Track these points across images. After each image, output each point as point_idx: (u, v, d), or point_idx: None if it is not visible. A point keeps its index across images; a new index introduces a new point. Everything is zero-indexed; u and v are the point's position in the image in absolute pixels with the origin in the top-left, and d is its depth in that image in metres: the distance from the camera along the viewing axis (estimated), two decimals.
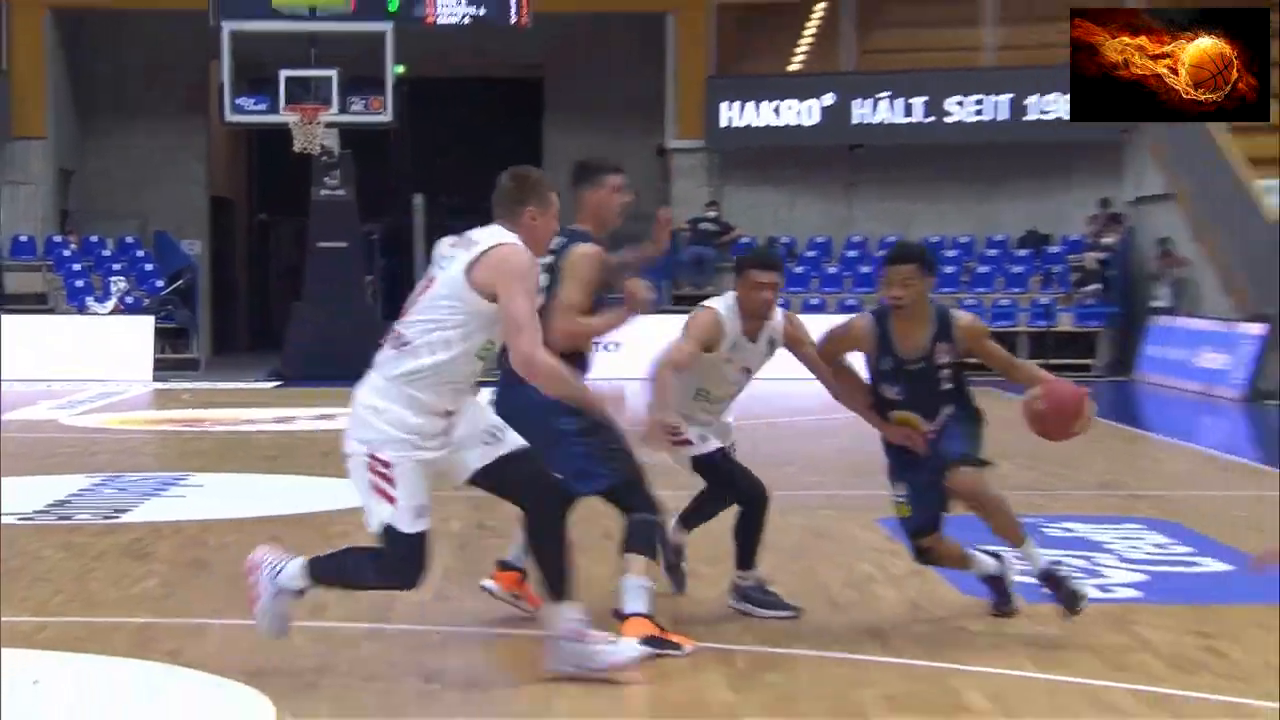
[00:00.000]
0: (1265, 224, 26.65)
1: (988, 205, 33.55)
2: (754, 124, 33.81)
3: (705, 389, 8.78)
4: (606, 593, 8.22)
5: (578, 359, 8.37)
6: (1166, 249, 30.41)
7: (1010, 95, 32.61)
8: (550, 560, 7.52)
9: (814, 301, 31.07)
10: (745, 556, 8.96)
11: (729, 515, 9.04)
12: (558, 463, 7.99)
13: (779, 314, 8.77)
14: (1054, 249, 32.99)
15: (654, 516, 8.45)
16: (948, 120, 32.88)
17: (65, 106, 35.54)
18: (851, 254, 33.44)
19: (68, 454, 17.95)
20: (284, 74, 30.28)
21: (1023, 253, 33.14)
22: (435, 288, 7.37)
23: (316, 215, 30.15)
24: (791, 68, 34.98)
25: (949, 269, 32.32)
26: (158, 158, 36.13)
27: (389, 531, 7.35)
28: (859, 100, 33.19)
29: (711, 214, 32.82)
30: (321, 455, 17.53)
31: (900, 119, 33.06)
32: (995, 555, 8.73)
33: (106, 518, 13.11)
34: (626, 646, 7.51)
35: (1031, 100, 32.51)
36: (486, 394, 7.87)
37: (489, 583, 8.81)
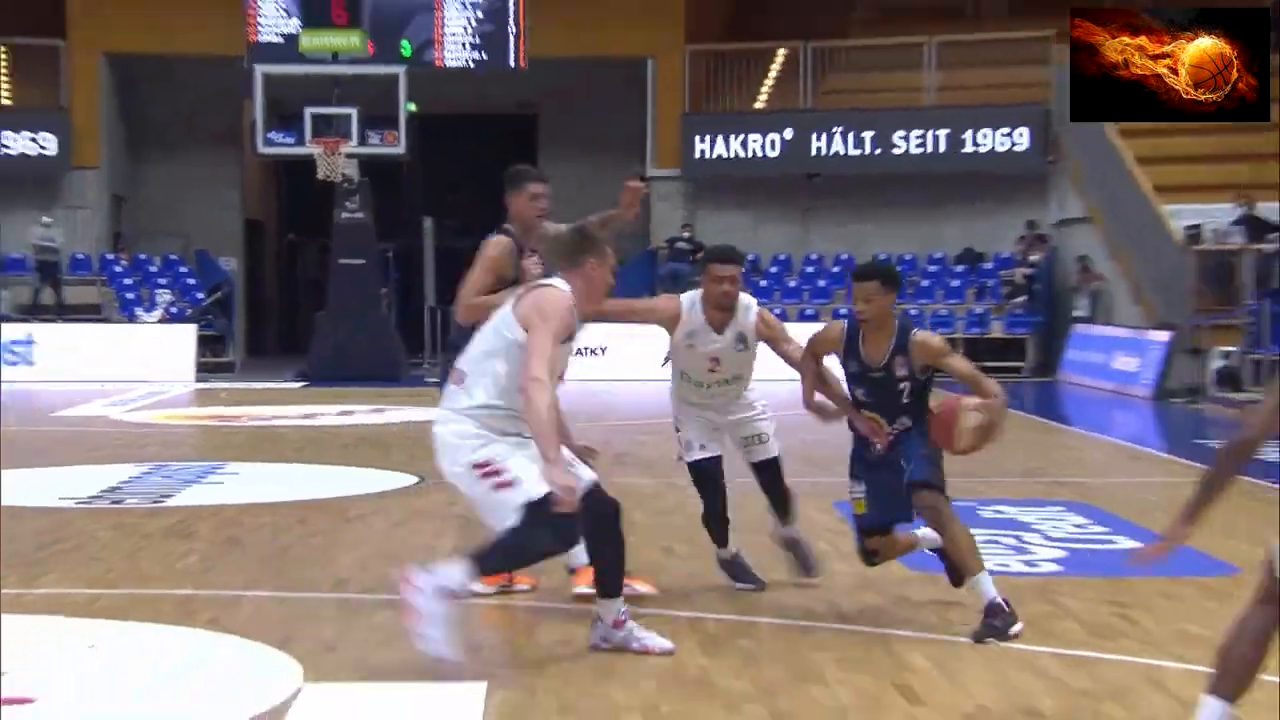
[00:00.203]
0: (1172, 244, 26.73)
1: (929, 227, 33.58)
2: (724, 155, 33.86)
3: (685, 371, 8.71)
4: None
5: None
6: (1085, 266, 30.49)
7: (948, 130, 32.66)
8: (608, 560, 7.39)
9: (776, 311, 30.45)
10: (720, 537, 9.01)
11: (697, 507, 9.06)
12: None
13: (752, 313, 8.60)
14: (987, 265, 33.04)
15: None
16: (894, 152, 32.92)
17: (117, 140, 35.52)
18: (809, 270, 33.50)
19: (119, 446, 17.95)
20: (309, 111, 30.28)
21: (960, 268, 33.20)
22: (490, 323, 7.27)
23: (338, 236, 30.14)
24: (757, 106, 34.99)
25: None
26: (198, 185, 36.11)
27: (528, 508, 7.00)
28: (816, 134, 33.25)
29: (686, 235, 32.86)
30: (342, 447, 17.58)
31: (852, 151, 33.10)
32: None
33: (154, 502, 13.12)
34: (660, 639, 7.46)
35: (967, 135, 32.58)
36: None
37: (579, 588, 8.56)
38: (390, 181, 33.13)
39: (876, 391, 8.12)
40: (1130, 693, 7.00)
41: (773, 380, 9.31)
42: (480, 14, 33.12)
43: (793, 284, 33.05)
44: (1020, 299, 31.58)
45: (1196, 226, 26.97)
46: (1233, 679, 5.46)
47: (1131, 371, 26.03)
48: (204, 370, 30.23)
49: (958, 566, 8.11)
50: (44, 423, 21.35)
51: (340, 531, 11.57)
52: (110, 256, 34.23)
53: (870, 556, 8.44)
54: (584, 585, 8.57)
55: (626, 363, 24.07)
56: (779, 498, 8.83)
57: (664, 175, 34.47)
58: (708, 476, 8.83)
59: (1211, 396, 23.63)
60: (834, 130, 33.19)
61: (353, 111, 30.23)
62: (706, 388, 8.72)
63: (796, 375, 8.43)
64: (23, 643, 8.04)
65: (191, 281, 33.77)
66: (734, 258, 8.63)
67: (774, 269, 33.50)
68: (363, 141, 30.10)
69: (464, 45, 33.23)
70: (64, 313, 31.97)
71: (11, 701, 6.81)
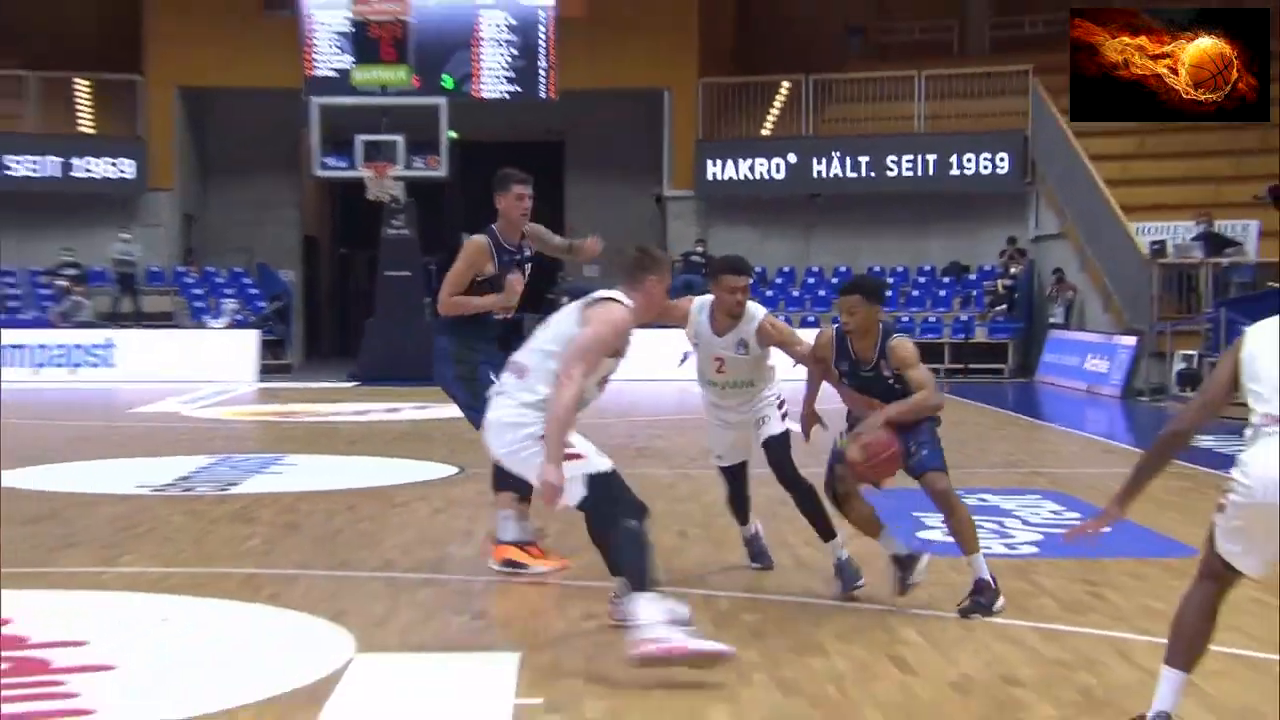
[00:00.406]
0: (1138, 258, 26.69)
1: (919, 242, 33.56)
2: (734, 177, 33.87)
3: (700, 371, 8.61)
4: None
5: (476, 320, 9.20)
6: (1060, 277, 30.45)
7: (936, 155, 32.64)
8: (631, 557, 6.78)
9: (781, 318, 30.99)
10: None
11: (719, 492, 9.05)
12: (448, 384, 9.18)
13: (755, 321, 8.41)
14: (971, 277, 33.00)
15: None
16: (887, 175, 32.90)
17: (188, 165, 35.60)
18: (811, 280, 33.47)
19: (189, 439, 17.99)
20: (361, 138, 30.33)
21: (947, 280, 33.16)
22: (550, 328, 7.01)
23: (385, 250, 30.18)
24: (763, 133, 34.95)
25: (888, 292, 32.37)
26: (261, 205, 36.19)
27: (593, 480, 6.69)
28: (816, 158, 33.24)
29: (699, 249, 32.83)
30: (390, 440, 17.60)
31: (849, 174, 33.08)
32: (911, 556, 8.14)
33: (220, 490, 13.14)
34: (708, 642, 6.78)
35: (953, 159, 32.56)
36: None
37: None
38: (433, 201, 33.14)
39: (869, 386, 8.05)
40: (1100, 662, 7.00)
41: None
42: (514, 50, 33.21)
43: (796, 294, 33.05)
44: (1001, 307, 31.55)
45: (1161, 242, 26.98)
46: (1186, 650, 5.46)
47: (1102, 373, 26.02)
48: (265, 371, 30.28)
49: (960, 544, 8.04)
50: (122, 419, 21.39)
51: (387, 517, 11.59)
52: (182, 269, 34.33)
53: (838, 483, 8.07)
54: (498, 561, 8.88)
55: (645, 364, 24.03)
56: (787, 477, 8.68)
57: (679, 195, 34.52)
58: (731, 476, 8.79)
59: (1174, 396, 23.62)
60: (833, 155, 33.19)
61: (399, 138, 30.28)
62: (721, 388, 8.57)
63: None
64: (103, 616, 8.08)
65: (254, 291, 33.84)
66: (745, 269, 8.51)
67: (779, 280, 33.49)
68: (408, 165, 30.16)
69: (499, 78, 33.33)
70: (140, 320, 32.06)
71: (93, 669, 6.84)
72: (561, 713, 6.14)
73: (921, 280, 33.30)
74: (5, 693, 6.47)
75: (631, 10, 33.70)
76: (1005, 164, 32.39)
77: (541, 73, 33.32)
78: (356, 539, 10.45)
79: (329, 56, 33.19)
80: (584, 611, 7.94)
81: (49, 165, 33.44)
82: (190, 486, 13.45)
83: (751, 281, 8.56)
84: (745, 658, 6.86)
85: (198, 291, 33.38)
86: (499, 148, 35.52)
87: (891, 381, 7.99)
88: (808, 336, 8.69)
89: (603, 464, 6.70)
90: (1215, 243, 26.59)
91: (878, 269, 32.86)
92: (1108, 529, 5.72)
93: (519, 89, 33.39)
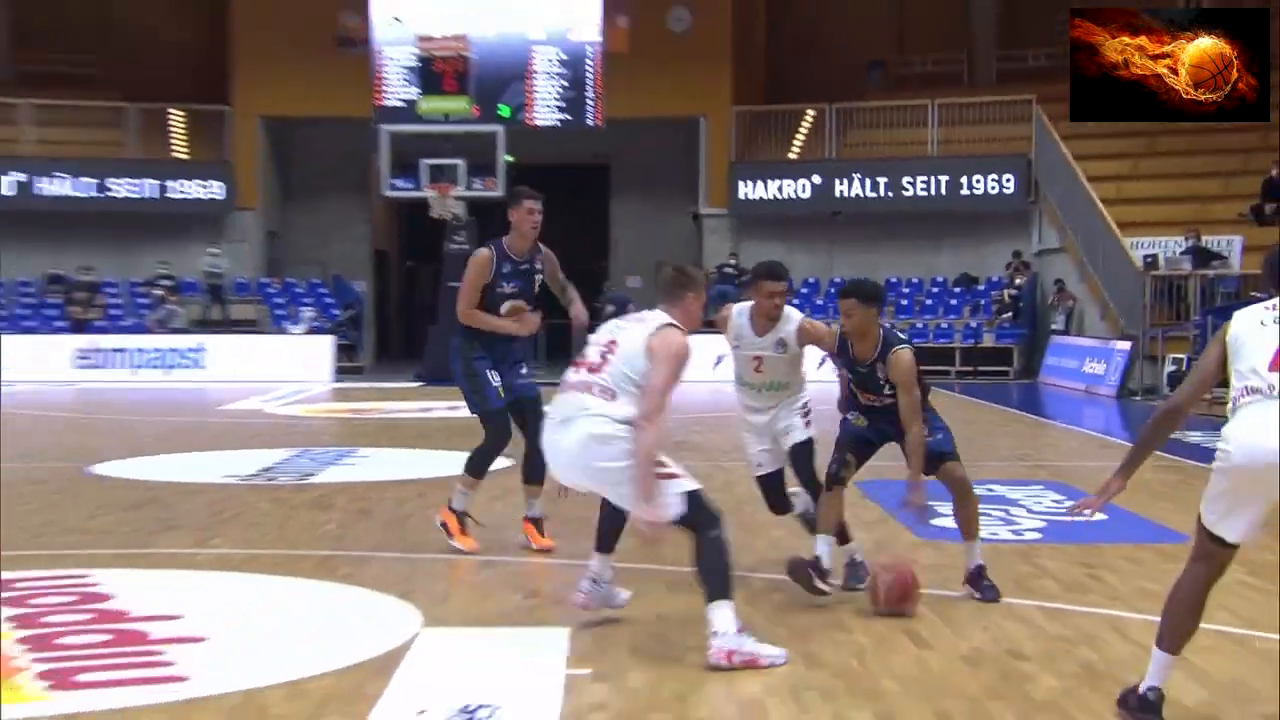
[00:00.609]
0: (1132, 270, 26.56)
1: (932, 256, 33.48)
2: (764, 197, 33.84)
3: (739, 374, 8.39)
4: None
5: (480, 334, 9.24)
6: (1061, 287, 30.33)
7: (947, 177, 32.57)
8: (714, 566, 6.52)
9: None
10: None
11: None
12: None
13: (793, 323, 8.18)
14: (980, 287, 32.89)
15: (493, 446, 9.38)
16: (903, 194, 32.84)
17: (271, 186, 35.77)
18: (833, 291, 33.24)
19: (271, 434, 18.05)
20: (425, 162, 30.45)
21: (957, 290, 33.06)
22: (621, 351, 6.62)
23: (448, 263, 30.14)
24: (790, 156, 34.92)
25: (904, 302, 32.38)
26: (335, 222, 36.32)
27: (690, 497, 6.44)
28: (838, 180, 33.19)
29: (732, 262, 32.80)
30: (452, 435, 17.56)
31: (869, 194, 33.03)
32: (824, 571, 7.74)
33: (300, 479, 13.19)
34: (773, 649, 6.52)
35: (963, 180, 32.49)
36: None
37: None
38: (490, 218, 33.08)
39: (864, 382, 7.87)
40: (1098, 638, 6.98)
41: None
42: (564, 82, 33.23)
43: (819, 303, 32.88)
44: (1007, 315, 31.44)
45: (1153, 255, 26.87)
46: (1175, 635, 5.42)
47: (1099, 375, 25.91)
48: (339, 373, 30.36)
49: (964, 530, 7.93)
50: (211, 415, 21.49)
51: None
52: (265, 281, 34.49)
53: (840, 468, 7.84)
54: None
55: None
56: (808, 480, 8.59)
57: (714, 213, 34.50)
58: (766, 486, 8.47)
59: (1165, 396, 23.44)
60: (854, 176, 33.13)
61: (460, 162, 30.38)
62: (757, 390, 8.35)
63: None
64: (196, 593, 8.12)
65: (330, 301, 33.95)
66: (783, 275, 8.33)
67: (804, 290, 33.41)
68: (468, 186, 30.25)
69: (551, 108, 33.34)
70: (228, 326, 32.23)
71: (186, 640, 6.87)
72: (608, 682, 6.15)
73: (934, 290, 33.21)
74: (108, 661, 6.52)
75: (670, 45, 33.73)
76: (1011, 184, 32.29)
77: (589, 102, 33.34)
78: (422, 525, 10.45)
79: (397, 88, 33.29)
80: (628, 590, 7.93)
81: (147, 188, 33.64)
82: (273, 476, 13.50)
83: (787, 288, 8.36)
84: (774, 634, 6.85)
85: (279, 301, 33.52)
86: (551, 170, 35.56)
87: (883, 381, 7.80)
88: None
89: (691, 482, 6.53)
90: (1202, 256, 26.52)
91: (894, 280, 32.85)
92: (1107, 501, 5.68)
93: (569, 117, 33.42)
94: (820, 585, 7.67)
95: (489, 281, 9.16)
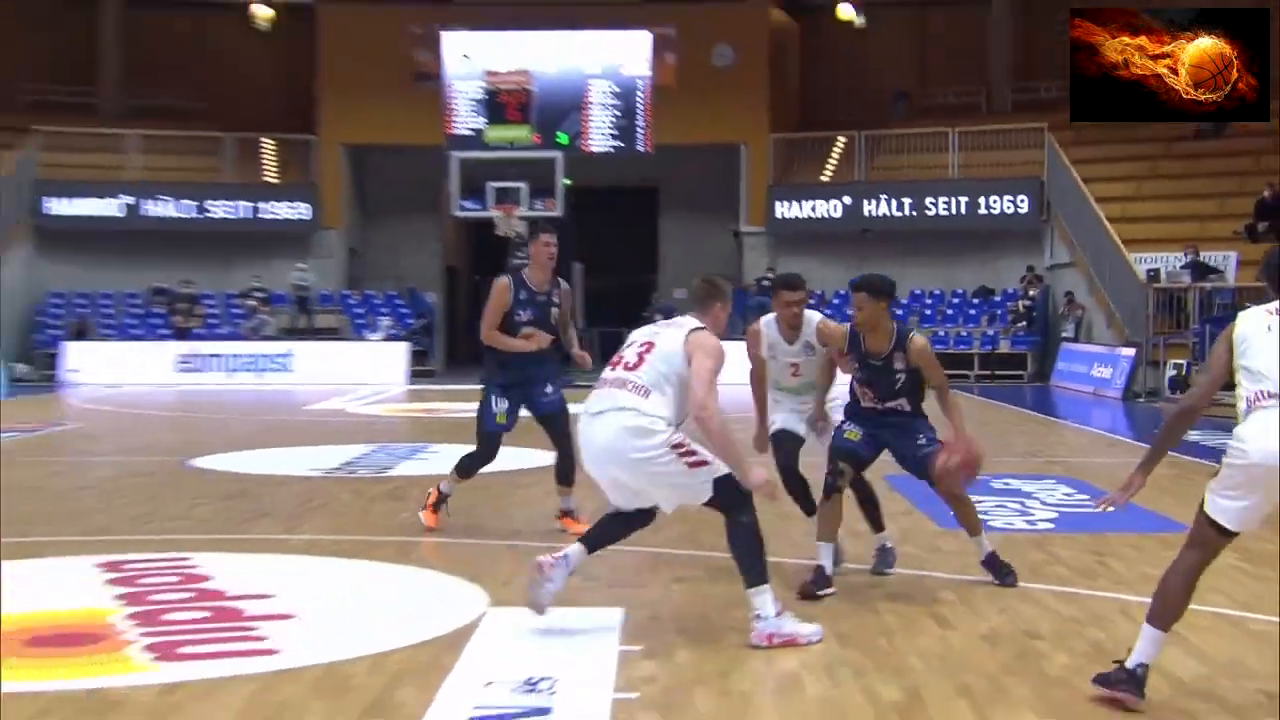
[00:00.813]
0: (1136, 283, 26.42)
1: (953, 270, 33.31)
2: (799, 216, 33.78)
3: (776, 380, 8.22)
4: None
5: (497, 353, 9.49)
6: (1071, 299, 30.16)
7: (967, 197, 32.43)
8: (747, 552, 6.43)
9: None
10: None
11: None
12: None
13: (814, 324, 8.05)
14: (996, 298, 32.70)
15: (479, 458, 9.72)
16: (926, 213, 32.72)
17: (352, 207, 35.94)
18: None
19: (352, 431, 18.14)
20: (491, 185, 30.56)
21: (976, 301, 32.88)
22: (659, 351, 6.51)
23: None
24: (823, 179, 34.83)
25: (927, 312, 32.25)
26: (410, 240, 36.46)
27: (719, 483, 6.33)
28: (867, 200, 33.10)
29: (770, 275, 32.62)
30: (515, 433, 17.55)
31: (895, 213, 32.92)
32: (827, 577, 7.53)
33: (378, 472, 13.23)
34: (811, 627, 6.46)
35: (981, 200, 32.35)
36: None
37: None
38: None
39: (876, 377, 7.61)
40: (1107, 619, 6.93)
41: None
42: (617, 112, 33.32)
43: (850, 313, 32.67)
44: (1022, 324, 31.26)
45: (1155, 269, 26.77)
46: (1166, 613, 5.38)
47: (1106, 378, 25.75)
48: (413, 376, 30.50)
49: (968, 528, 7.77)
50: (299, 414, 21.61)
51: (513, 496, 11.64)
52: (346, 293, 34.63)
53: (837, 477, 7.58)
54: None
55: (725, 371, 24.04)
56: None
57: (753, 231, 34.45)
58: (777, 443, 8.24)
59: (1166, 397, 23.37)
60: (881, 197, 33.03)
61: (522, 185, 30.46)
62: (795, 393, 8.14)
63: None
64: (286, 574, 8.17)
65: (405, 311, 34.07)
66: (800, 285, 8.21)
67: (835, 301, 33.20)
68: (530, 207, 30.30)
69: (605, 135, 33.43)
70: (313, 334, 32.38)
71: (278, 617, 6.91)
72: (656, 658, 6.15)
73: (955, 301, 33.05)
74: (208, 635, 6.57)
75: (713, 79, 33.70)
76: (1024, 204, 32.12)
77: (640, 131, 33.39)
78: (489, 514, 10.52)
79: (466, 119, 33.46)
80: (674, 575, 7.94)
81: (241, 209, 33.87)
82: (353, 469, 13.56)
83: (805, 296, 8.20)
84: (809, 614, 6.83)
85: (359, 311, 33.67)
86: (604, 192, 35.73)
87: (899, 374, 7.58)
88: None
89: (722, 468, 6.39)
90: (1200, 271, 26.38)
91: (918, 291, 32.73)
92: (1131, 497, 5.63)
93: (621, 144, 33.49)
94: (824, 593, 7.42)
95: (507, 309, 9.28)
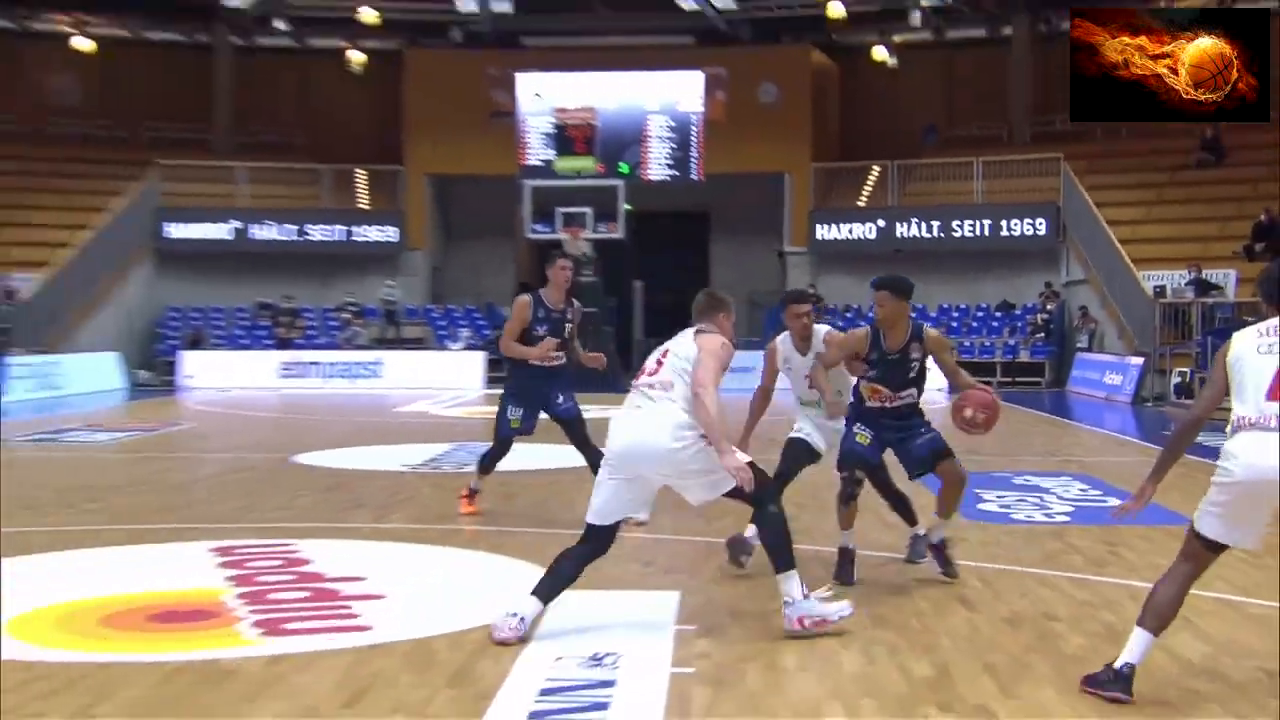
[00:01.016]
0: (1144, 298, 26.26)
1: (977, 286, 33.07)
2: (837, 237, 33.62)
3: (797, 395, 7.97)
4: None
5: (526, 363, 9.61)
6: (1085, 312, 29.92)
7: (990, 220, 32.18)
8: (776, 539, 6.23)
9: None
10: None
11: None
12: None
13: (821, 335, 7.80)
14: (1017, 312, 32.40)
15: (494, 454, 9.86)
16: (953, 235, 32.49)
17: (435, 230, 36.13)
18: None
19: (436, 431, 18.19)
20: (560, 210, 30.70)
21: (998, 315, 32.59)
22: (674, 352, 6.31)
23: (578, 293, 30.25)
24: (859, 204, 34.68)
25: (954, 324, 32.03)
26: (487, 259, 36.56)
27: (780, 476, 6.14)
28: (899, 223, 32.91)
29: (812, 292, 32.65)
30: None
31: (924, 234, 32.71)
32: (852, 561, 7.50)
33: (458, 468, 13.28)
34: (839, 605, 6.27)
35: (1003, 223, 32.10)
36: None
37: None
38: (613, 256, 33.32)
39: (891, 370, 7.34)
40: (1118, 604, 6.87)
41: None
42: (673, 144, 33.35)
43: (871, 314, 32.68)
44: (1040, 335, 30.98)
45: (1161, 286, 26.63)
46: (1157, 617, 5.29)
47: (1117, 385, 25.52)
48: (490, 381, 30.48)
49: (942, 508, 7.46)
50: (388, 416, 21.72)
51: (580, 488, 11.53)
52: (430, 307, 34.77)
53: (853, 486, 7.46)
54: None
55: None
56: (877, 481, 8.11)
57: (796, 251, 34.33)
58: (789, 448, 7.93)
59: (1171, 402, 23.18)
60: (912, 220, 32.83)
61: (588, 210, 30.62)
62: (816, 405, 7.75)
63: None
64: (377, 559, 8.22)
65: (482, 323, 34.12)
66: (807, 298, 8.02)
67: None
68: (594, 230, 30.42)
69: (662, 165, 33.46)
70: (401, 344, 32.54)
71: (370, 598, 6.96)
72: (710, 637, 6.15)
73: (979, 315, 32.79)
74: (308, 613, 6.62)
75: (760, 114, 33.63)
76: (1043, 227, 31.87)
77: (693, 161, 33.40)
78: (557, 506, 10.54)
79: (537, 151, 33.57)
80: (725, 562, 7.91)
81: (337, 232, 34.09)
82: (437, 465, 13.63)
83: (814, 307, 7.99)
84: (848, 594, 6.81)
85: (442, 323, 33.79)
86: (661, 217, 35.73)
87: (914, 364, 7.34)
88: None
89: (744, 457, 6.20)
90: (1203, 287, 26.21)
91: (946, 305, 32.52)
92: (1144, 505, 5.53)
93: (676, 173, 33.50)
94: (848, 578, 7.39)
95: (527, 324, 9.41)
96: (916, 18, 33.17)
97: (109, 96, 35.88)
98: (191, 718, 4.98)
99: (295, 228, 33.80)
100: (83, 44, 35.28)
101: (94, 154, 34.79)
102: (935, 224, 32.58)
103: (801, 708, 5.11)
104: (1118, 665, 5.20)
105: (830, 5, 33.03)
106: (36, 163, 33.94)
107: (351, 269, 34.08)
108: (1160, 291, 26.44)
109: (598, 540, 6.37)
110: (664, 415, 6.15)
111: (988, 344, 31.41)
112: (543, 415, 9.87)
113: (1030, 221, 31.97)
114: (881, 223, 33.17)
